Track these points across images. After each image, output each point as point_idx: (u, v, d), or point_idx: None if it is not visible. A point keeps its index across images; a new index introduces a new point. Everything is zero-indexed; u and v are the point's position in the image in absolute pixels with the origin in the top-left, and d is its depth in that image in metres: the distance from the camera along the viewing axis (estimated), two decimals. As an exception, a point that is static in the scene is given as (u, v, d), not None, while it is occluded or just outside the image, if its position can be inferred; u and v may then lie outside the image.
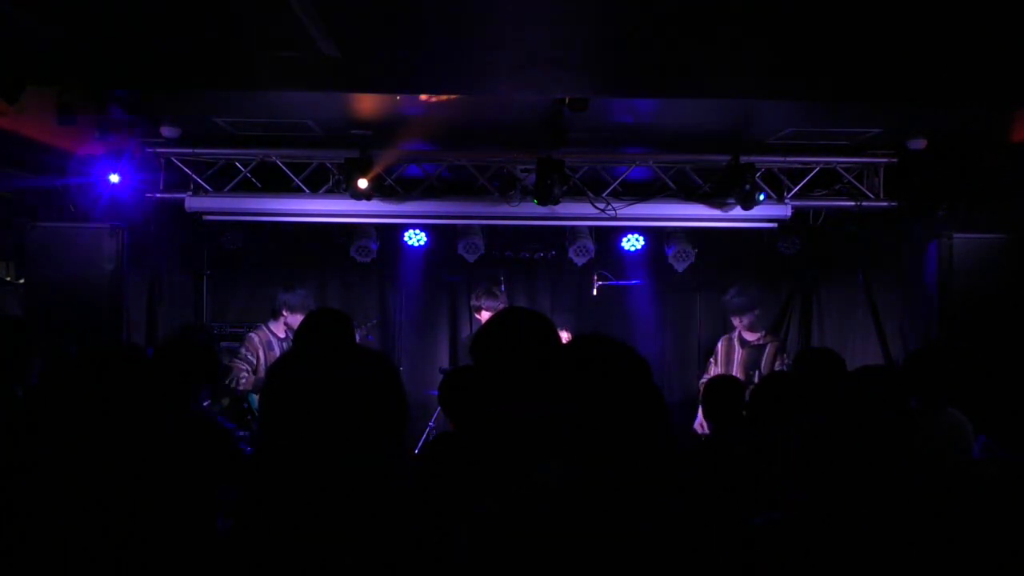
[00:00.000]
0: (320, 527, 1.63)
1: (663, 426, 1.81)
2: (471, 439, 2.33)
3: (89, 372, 2.73)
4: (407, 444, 7.27)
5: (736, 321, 6.78)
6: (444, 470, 2.31)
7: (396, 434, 1.74)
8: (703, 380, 6.94)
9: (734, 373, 6.57)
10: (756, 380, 6.24)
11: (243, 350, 6.25)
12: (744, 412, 3.99)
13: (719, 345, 6.95)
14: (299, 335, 3.55)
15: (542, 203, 6.28)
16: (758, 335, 6.77)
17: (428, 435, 7.36)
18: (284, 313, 6.28)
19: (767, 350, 6.68)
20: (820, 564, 2.40)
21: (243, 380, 6.13)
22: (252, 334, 6.32)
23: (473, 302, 6.79)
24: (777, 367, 6.58)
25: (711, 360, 6.98)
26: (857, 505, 2.45)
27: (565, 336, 7.04)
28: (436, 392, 7.42)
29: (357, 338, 6.93)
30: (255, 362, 6.21)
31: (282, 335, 6.31)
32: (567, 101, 4.87)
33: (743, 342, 6.77)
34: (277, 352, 6.24)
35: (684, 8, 3.60)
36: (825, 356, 4.33)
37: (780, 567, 2.40)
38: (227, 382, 6.13)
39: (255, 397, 5.95)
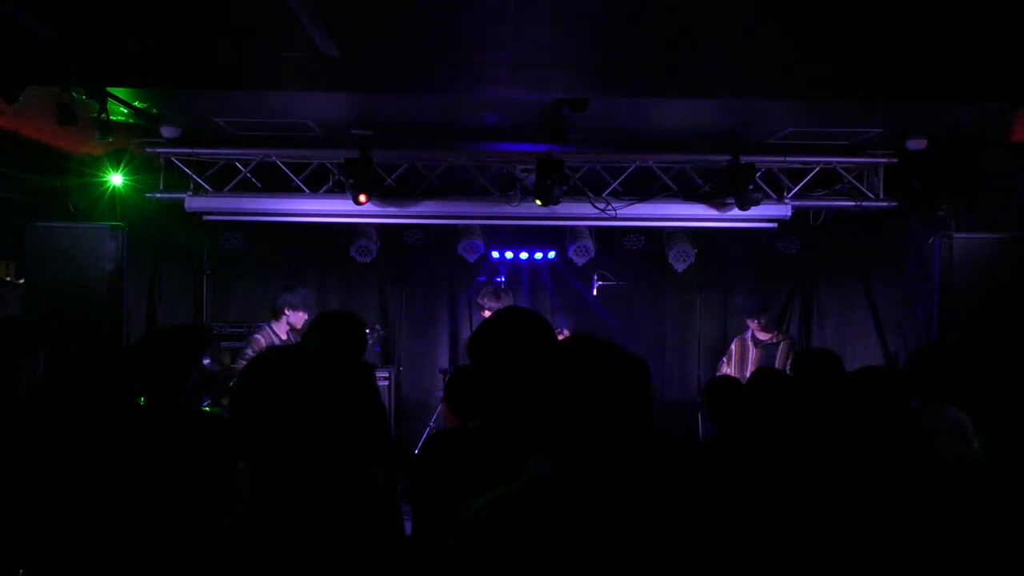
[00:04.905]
0: (296, 529, 1.64)
1: (648, 424, 1.82)
2: (471, 437, 2.34)
3: (91, 370, 2.73)
4: (405, 444, 7.29)
5: (751, 322, 6.84)
6: (440, 468, 2.31)
7: (365, 435, 1.75)
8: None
9: (748, 372, 6.60)
10: None
11: (248, 351, 6.23)
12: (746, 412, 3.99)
13: (732, 345, 6.99)
14: (307, 336, 3.56)
15: (543, 203, 6.29)
16: (771, 334, 6.84)
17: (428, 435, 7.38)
18: (286, 312, 6.28)
19: (780, 348, 6.72)
20: (820, 562, 2.41)
21: None
22: (257, 335, 6.32)
23: (478, 300, 6.84)
24: (790, 364, 6.62)
25: (723, 360, 7.01)
26: (858, 504, 2.46)
27: (566, 336, 7.13)
28: (436, 392, 7.43)
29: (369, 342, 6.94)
30: None
31: (284, 336, 6.31)
32: (567, 101, 4.87)
33: (756, 342, 6.83)
34: (279, 353, 6.22)
35: (684, 8, 3.60)
36: (822, 356, 4.34)
37: (779, 565, 2.41)
38: (231, 383, 6.12)
39: None
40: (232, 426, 1.72)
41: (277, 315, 6.33)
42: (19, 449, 2.65)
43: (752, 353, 6.81)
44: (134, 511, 2.40)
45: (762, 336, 6.83)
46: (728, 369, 6.91)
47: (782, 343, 6.79)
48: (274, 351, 1.79)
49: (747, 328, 6.96)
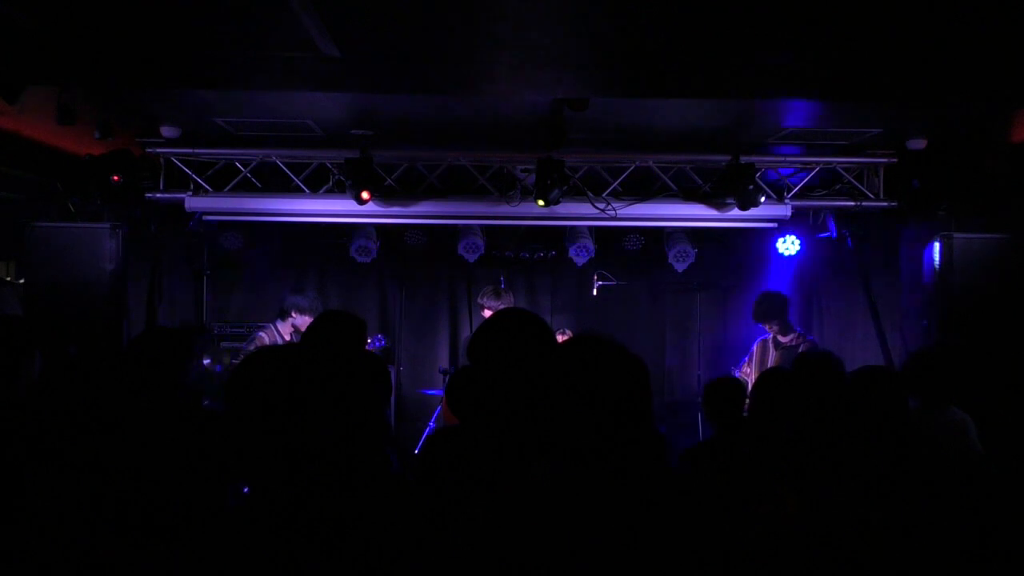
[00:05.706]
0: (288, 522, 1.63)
1: (648, 424, 1.83)
2: (469, 437, 2.34)
3: (90, 370, 2.73)
4: (405, 444, 7.29)
5: (767, 327, 6.85)
6: (440, 466, 2.32)
7: (363, 426, 1.74)
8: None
9: None
10: None
11: (251, 348, 6.22)
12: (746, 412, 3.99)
13: (754, 347, 7.00)
14: (306, 336, 3.56)
15: (543, 203, 6.29)
16: (791, 337, 6.83)
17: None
18: (293, 315, 6.26)
19: (800, 351, 6.71)
20: (817, 564, 2.41)
21: None
22: (261, 332, 6.31)
23: (478, 300, 6.84)
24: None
25: (745, 360, 7.03)
26: (857, 504, 2.46)
27: (567, 336, 7.14)
28: (436, 392, 7.43)
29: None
30: None
31: (287, 337, 6.30)
32: (567, 101, 4.87)
33: (777, 344, 6.83)
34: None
35: (684, 9, 3.60)
36: (824, 358, 4.34)
37: (776, 566, 2.41)
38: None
39: None
40: (227, 423, 1.72)
41: (284, 315, 6.31)
42: (16, 450, 2.65)
43: (772, 355, 6.82)
44: (132, 511, 2.39)
45: (783, 339, 6.85)
46: (748, 370, 6.92)
47: (801, 346, 6.78)
48: (265, 349, 1.79)
49: (768, 332, 6.97)
